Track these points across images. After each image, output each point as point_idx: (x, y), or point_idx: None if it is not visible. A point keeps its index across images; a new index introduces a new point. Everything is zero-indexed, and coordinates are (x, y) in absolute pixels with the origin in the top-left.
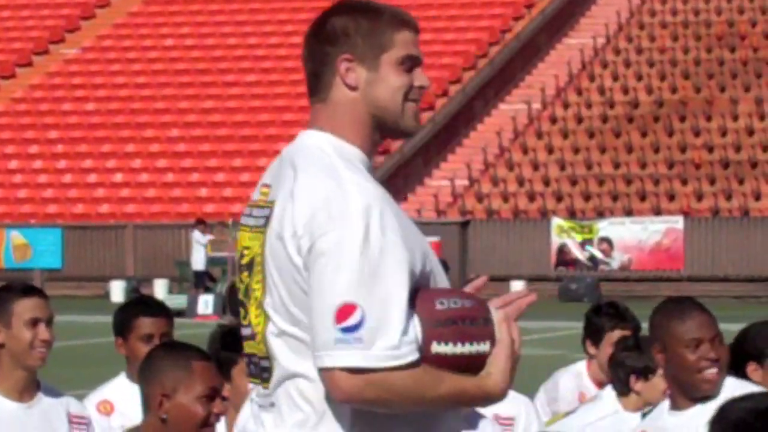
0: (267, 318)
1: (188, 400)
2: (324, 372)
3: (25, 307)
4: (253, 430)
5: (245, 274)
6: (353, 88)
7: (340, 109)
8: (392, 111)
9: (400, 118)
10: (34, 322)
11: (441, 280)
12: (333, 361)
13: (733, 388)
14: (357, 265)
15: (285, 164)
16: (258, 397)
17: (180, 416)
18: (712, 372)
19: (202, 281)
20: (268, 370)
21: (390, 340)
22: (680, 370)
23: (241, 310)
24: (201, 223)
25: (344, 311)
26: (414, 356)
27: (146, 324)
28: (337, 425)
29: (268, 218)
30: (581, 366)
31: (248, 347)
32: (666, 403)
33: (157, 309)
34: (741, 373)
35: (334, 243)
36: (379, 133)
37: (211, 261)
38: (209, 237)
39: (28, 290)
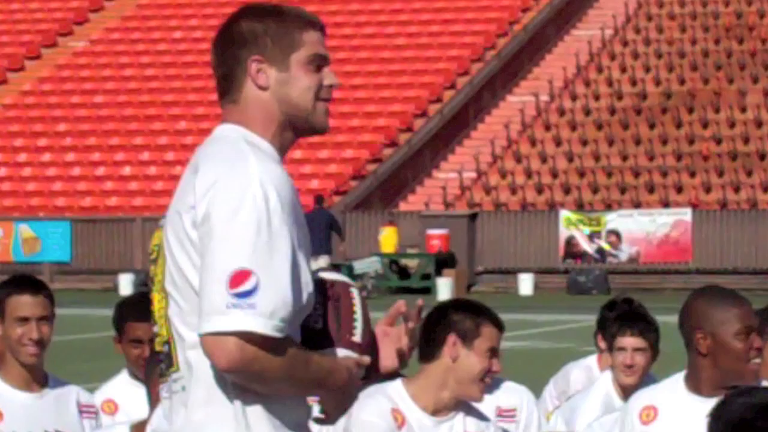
0: (167, 298)
1: None
2: (209, 337)
3: (16, 305)
4: (165, 427)
5: (153, 267)
6: (264, 89)
7: (252, 107)
8: (303, 109)
9: (312, 116)
10: (23, 320)
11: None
12: (224, 324)
13: None
14: (254, 234)
15: (192, 160)
16: (168, 386)
17: None
18: (757, 362)
19: None
20: (169, 355)
21: (282, 311)
22: (728, 359)
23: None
24: None
25: (238, 276)
26: (286, 332)
27: (136, 328)
28: (224, 397)
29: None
30: (592, 360)
31: (157, 345)
32: (677, 383)
33: (148, 312)
34: None
35: (232, 211)
36: (291, 131)
37: None
38: None
39: (23, 286)
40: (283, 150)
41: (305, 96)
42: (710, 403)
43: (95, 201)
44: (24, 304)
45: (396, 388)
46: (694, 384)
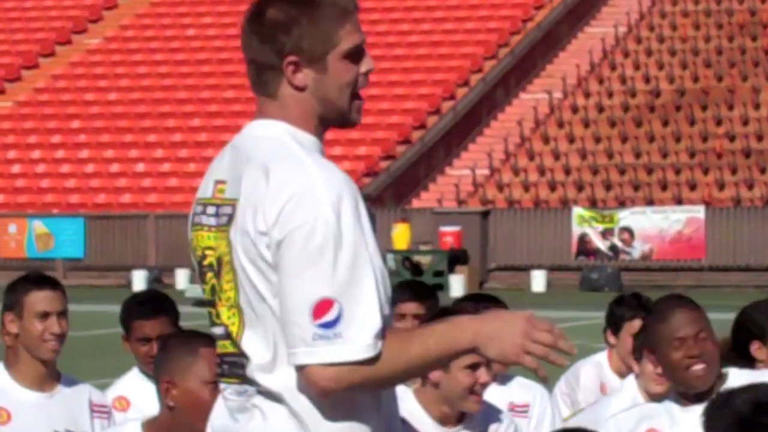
0: (242, 316)
1: (194, 386)
2: (303, 370)
3: (36, 299)
4: (232, 427)
5: (210, 274)
6: (301, 89)
7: (290, 105)
8: (340, 107)
9: (348, 113)
10: (44, 315)
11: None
12: (312, 357)
13: (738, 378)
14: (331, 260)
15: (241, 158)
16: (233, 395)
17: (187, 402)
18: (698, 368)
19: None
20: (243, 368)
21: (368, 333)
22: (670, 370)
23: (211, 311)
24: None
25: (321, 307)
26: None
27: (143, 326)
28: (313, 419)
29: (231, 216)
30: (602, 356)
31: (221, 347)
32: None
33: (156, 311)
34: (746, 355)
35: (305, 237)
36: (326, 124)
37: None
38: None
39: (41, 282)
40: (322, 141)
41: (343, 94)
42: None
43: (109, 197)
44: (45, 299)
45: (408, 398)
46: (678, 395)
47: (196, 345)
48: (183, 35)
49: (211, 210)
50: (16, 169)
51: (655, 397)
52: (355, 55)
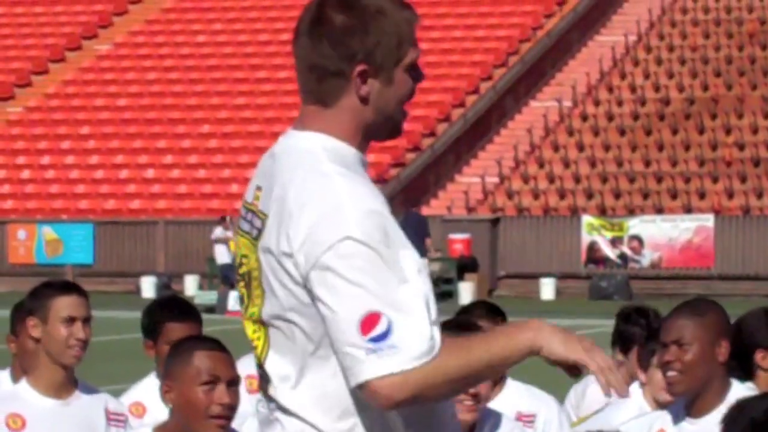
0: (267, 333)
1: (188, 387)
2: (364, 388)
3: (62, 305)
4: None
5: (242, 284)
6: (365, 100)
7: (345, 116)
8: (396, 119)
9: (397, 126)
10: (70, 320)
11: None
12: (371, 372)
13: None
14: (369, 272)
15: (278, 169)
16: (263, 407)
17: (182, 403)
18: (670, 374)
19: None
20: (270, 382)
21: (422, 339)
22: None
23: (244, 321)
24: (225, 219)
25: (368, 321)
26: (438, 348)
27: (175, 329)
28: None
29: (261, 230)
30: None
31: (255, 358)
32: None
33: (186, 313)
34: (748, 366)
35: (340, 255)
36: (371, 137)
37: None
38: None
39: (68, 288)
40: (365, 152)
41: (399, 107)
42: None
43: (118, 203)
44: (72, 304)
45: None
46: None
47: (193, 348)
48: (193, 41)
49: (249, 216)
50: (25, 174)
51: (663, 406)
52: (414, 68)
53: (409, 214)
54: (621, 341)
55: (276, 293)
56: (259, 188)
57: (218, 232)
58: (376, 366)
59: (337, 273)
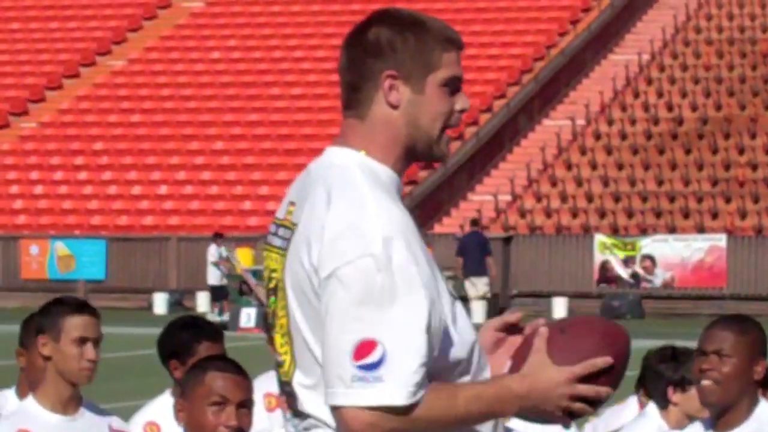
0: (293, 347)
1: (198, 407)
2: (339, 410)
3: (74, 325)
4: None
5: (272, 298)
6: (395, 107)
7: (378, 128)
8: (429, 136)
9: (436, 145)
10: (82, 341)
11: (462, 320)
12: (349, 399)
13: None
14: (377, 299)
15: (312, 184)
16: (293, 429)
17: (192, 423)
18: (705, 383)
19: (220, 295)
20: (294, 399)
21: (410, 378)
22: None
23: (270, 336)
24: (219, 237)
25: (364, 348)
26: (426, 389)
27: (210, 349)
28: None
29: (289, 241)
30: (633, 406)
31: (280, 375)
32: (700, 425)
33: (217, 333)
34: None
35: (353, 274)
36: (411, 156)
37: (255, 274)
38: (220, 250)
39: (81, 308)
40: (402, 173)
41: (435, 122)
42: None
43: (131, 220)
44: (84, 324)
45: None
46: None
47: (207, 368)
48: (207, 58)
49: (281, 231)
50: (38, 189)
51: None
52: (453, 86)
53: (470, 234)
54: (652, 383)
55: (299, 305)
56: (292, 203)
57: (213, 250)
58: (356, 394)
59: (349, 290)
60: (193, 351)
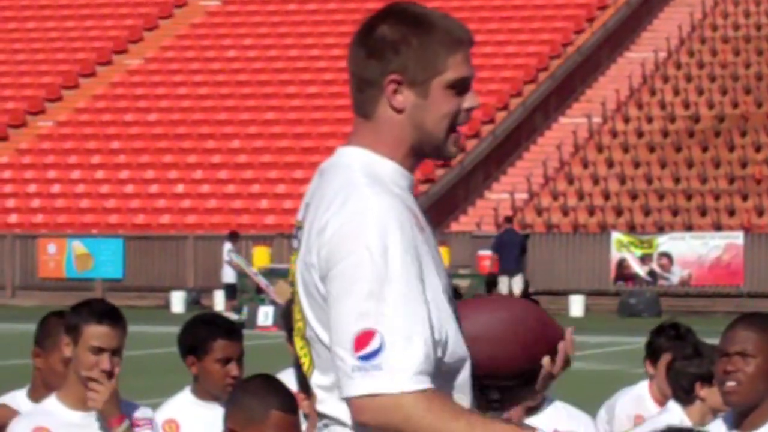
0: (310, 349)
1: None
2: (347, 401)
3: (92, 334)
4: None
5: (295, 301)
6: (399, 111)
7: (384, 128)
8: (435, 138)
9: (443, 145)
10: (98, 350)
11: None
12: (352, 390)
13: None
14: (375, 290)
15: (322, 184)
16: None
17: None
18: (729, 384)
19: (232, 293)
20: (317, 397)
21: (410, 366)
22: (716, 383)
23: (289, 335)
24: (234, 236)
25: (363, 338)
26: (428, 385)
27: (225, 347)
28: None
29: (300, 242)
30: (643, 388)
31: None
32: (722, 423)
33: (235, 331)
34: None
35: (351, 268)
36: (419, 155)
37: (272, 272)
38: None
39: (102, 317)
40: (413, 170)
41: (440, 124)
42: None
43: (148, 218)
44: (102, 335)
45: None
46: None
47: (270, 405)
48: (223, 57)
49: (298, 234)
50: (55, 188)
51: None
52: (460, 87)
53: (507, 231)
54: (651, 353)
55: (311, 306)
56: (308, 205)
57: (228, 248)
58: (357, 384)
59: (348, 283)
60: (208, 348)
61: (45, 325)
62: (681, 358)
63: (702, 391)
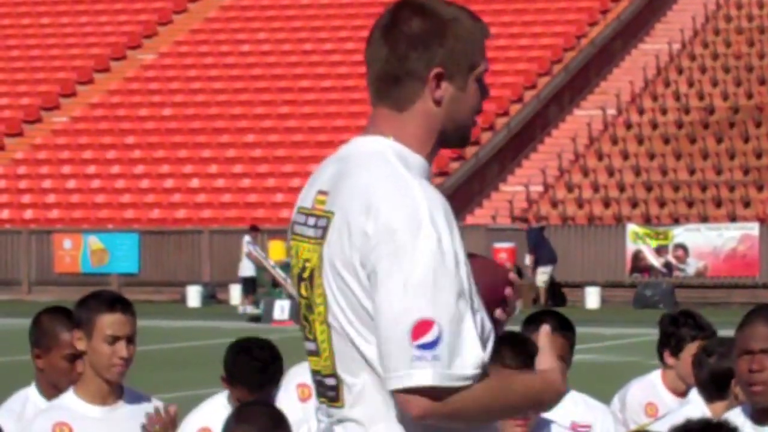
0: (331, 336)
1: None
2: (400, 393)
3: (106, 323)
4: None
5: (303, 288)
6: (439, 104)
7: (417, 120)
8: (464, 128)
9: (466, 135)
10: (114, 339)
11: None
12: (410, 381)
13: None
14: (431, 281)
15: (344, 172)
16: (323, 416)
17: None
18: (757, 384)
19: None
20: (335, 388)
21: (467, 357)
22: (738, 380)
23: (305, 324)
24: (254, 230)
25: (421, 327)
26: (482, 370)
27: (246, 394)
28: None
29: (325, 229)
30: (656, 376)
31: (313, 363)
32: (740, 413)
33: (262, 372)
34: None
35: (406, 258)
36: (440, 146)
37: (288, 266)
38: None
39: (114, 305)
40: (431, 163)
41: (470, 115)
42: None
43: (163, 213)
44: (116, 323)
45: None
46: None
47: None
48: (237, 51)
49: (311, 221)
50: (71, 184)
51: None
52: (483, 80)
53: (531, 229)
54: (672, 344)
55: (342, 294)
56: (322, 192)
57: (248, 240)
58: (418, 375)
59: (399, 274)
60: (236, 382)
61: (39, 324)
62: (719, 356)
63: (737, 389)
